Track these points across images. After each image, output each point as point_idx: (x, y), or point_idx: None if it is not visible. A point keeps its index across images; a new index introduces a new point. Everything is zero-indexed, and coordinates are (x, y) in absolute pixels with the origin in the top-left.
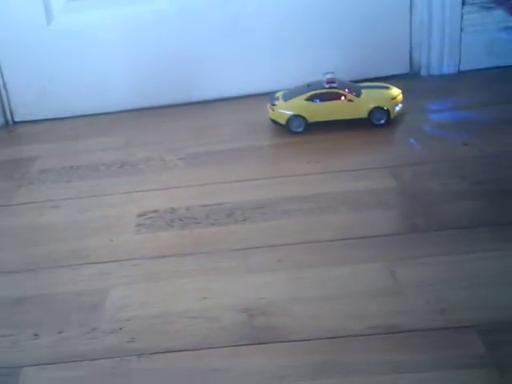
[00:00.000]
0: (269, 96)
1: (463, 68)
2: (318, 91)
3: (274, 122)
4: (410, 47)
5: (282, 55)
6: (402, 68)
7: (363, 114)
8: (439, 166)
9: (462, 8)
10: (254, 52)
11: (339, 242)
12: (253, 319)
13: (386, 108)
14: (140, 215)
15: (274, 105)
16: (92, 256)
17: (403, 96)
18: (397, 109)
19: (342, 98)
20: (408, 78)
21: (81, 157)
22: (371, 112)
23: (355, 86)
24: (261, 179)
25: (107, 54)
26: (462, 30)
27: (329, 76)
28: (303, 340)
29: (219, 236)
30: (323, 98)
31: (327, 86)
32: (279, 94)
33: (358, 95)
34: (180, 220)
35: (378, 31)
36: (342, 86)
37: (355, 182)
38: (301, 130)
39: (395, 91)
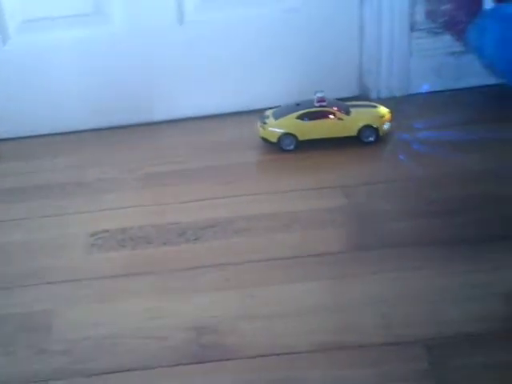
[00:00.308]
0: (259, 115)
1: (412, 91)
2: (308, 110)
3: (265, 140)
4: (360, 71)
5: (235, 78)
6: (352, 92)
7: (353, 132)
8: (391, 185)
9: (411, 33)
10: (207, 75)
11: (287, 261)
12: (201, 338)
13: (375, 126)
14: (92, 235)
15: (264, 123)
16: (44, 276)
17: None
18: (385, 127)
19: (332, 116)
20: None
21: (35, 176)
22: (360, 130)
23: (344, 105)
24: (214, 199)
25: (62, 74)
26: (410, 54)
27: (319, 95)
28: (251, 357)
29: (170, 256)
30: (314, 116)
31: (317, 104)
32: (269, 113)
33: (348, 113)
34: (132, 240)
35: (329, 56)
36: (332, 104)
37: (308, 201)
38: (292, 147)
39: (383, 110)
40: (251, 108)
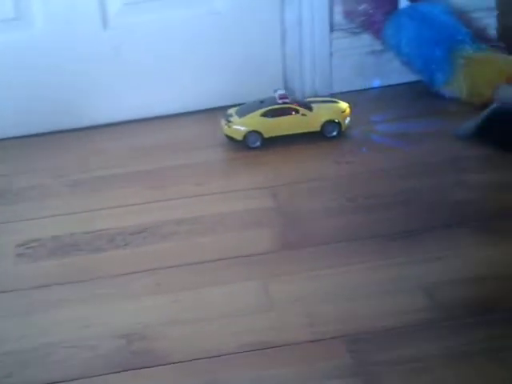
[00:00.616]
0: (222, 113)
1: (335, 91)
2: (272, 107)
3: (230, 138)
4: (284, 73)
5: (164, 82)
6: None
7: (316, 127)
8: (315, 184)
9: (331, 34)
10: (137, 78)
11: (216, 263)
12: (131, 344)
13: (337, 121)
14: (21, 245)
15: (229, 121)
16: None
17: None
18: (346, 122)
19: (296, 112)
20: None
21: None
22: (323, 125)
23: (305, 102)
24: (144, 203)
25: None
26: (331, 54)
27: (280, 92)
28: (181, 362)
29: (100, 263)
30: (278, 113)
31: (280, 101)
32: (232, 111)
33: (310, 109)
34: (62, 248)
35: (254, 59)
36: (294, 101)
37: (235, 202)
38: (258, 144)
39: (344, 104)
40: (179, 111)
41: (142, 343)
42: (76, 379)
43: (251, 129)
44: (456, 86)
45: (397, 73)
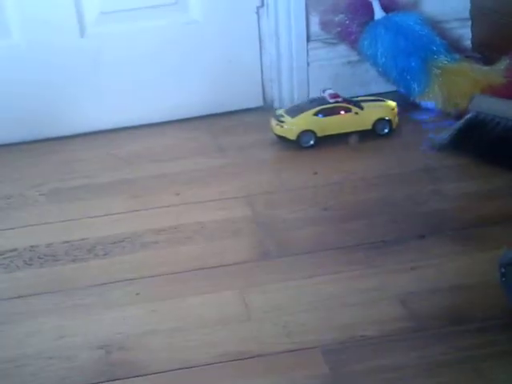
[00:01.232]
0: (272, 114)
1: None
2: (325, 106)
3: (282, 138)
4: (263, 83)
5: (142, 90)
6: (256, 102)
7: (368, 125)
8: (291, 194)
9: (307, 44)
10: (116, 87)
11: (194, 272)
12: (110, 355)
13: (388, 118)
14: None
15: (281, 121)
16: None
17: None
18: (396, 119)
19: (347, 111)
20: (262, 111)
21: None
22: (375, 123)
23: (355, 100)
24: (123, 213)
25: None
26: (308, 64)
27: (331, 92)
28: (159, 372)
29: (79, 272)
30: (330, 112)
31: (332, 100)
32: (282, 111)
33: (361, 108)
34: (39, 258)
35: (232, 68)
36: (344, 100)
37: (213, 211)
38: (311, 144)
39: (392, 103)
40: (159, 120)
41: (120, 354)
42: None
43: (305, 128)
44: (431, 97)
45: (373, 83)
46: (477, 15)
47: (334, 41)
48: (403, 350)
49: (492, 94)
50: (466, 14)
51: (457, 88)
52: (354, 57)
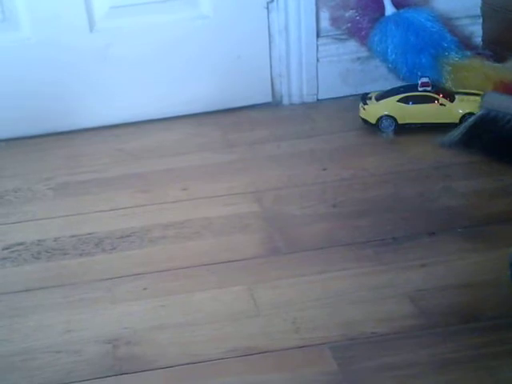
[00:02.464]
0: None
1: (321, 97)
2: (411, 93)
3: (365, 121)
4: (271, 79)
5: (152, 85)
6: (265, 98)
7: (455, 119)
8: (300, 190)
9: (317, 40)
10: (125, 82)
11: (203, 268)
12: (117, 350)
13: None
14: (5, 248)
15: (365, 104)
16: None
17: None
18: None
19: (435, 101)
20: (271, 107)
21: None
22: (463, 117)
23: (449, 91)
24: (132, 207)
25: None
26: (317, 60)
27: (424, 79)
28: (167, 367)
29: (86, 266)
30: (416, 100)
31: (421, 88)
32: (372, 95)
33: (452, 100)
34: (47, 252)
35: (241, 64)
36: (437, 90)
37: (221, 207)
38: (391, 129)
39: None
40: (167, 115)
41: (128, 348)
42: None
43: (386, 113)
44: None
45: (383, 79)
46: (487, 12)
47: (344, 37)
48: (413, 347)
49: (503, 91)
50: (477, 11)
51: (468, 85)
52: (364, 53)
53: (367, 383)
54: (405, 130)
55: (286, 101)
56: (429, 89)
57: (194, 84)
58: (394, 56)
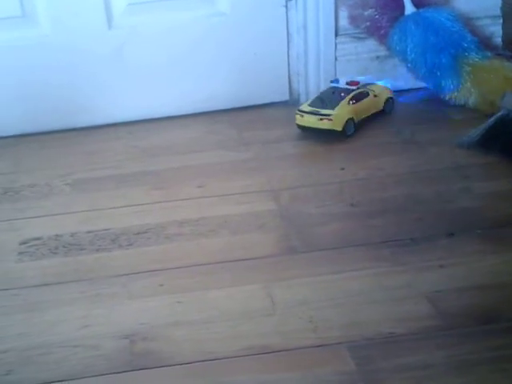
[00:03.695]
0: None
1: None
2: (354, 93)
3: (331, 131)
4: (289, 77)
5: (168, 82)
6: (282, 96)
7: (380, 106)
8: (316, 189)
9: (335, 38)
10: (141, 78)
11: (219, 265)
12: (134, 345)
13: (392, 97)
14: (23, 243)
15: (327, 115)
16: None
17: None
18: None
19: (370, 95)
20: (287, 106)
21: None
22: (386, 102)
23: (363, 84)
24: (148, 204)
25: None
26: (336, 59)
27: (348, 80)
28: (183, 364)
29: (103, 262)
30: (359, 98)
31: (355, 87)
32: (307, 108)
33: (374, 91)
34: (64, 247)
35: (258, 62)
36: (363, 85)
37: (237, 205)
38: (352, 132)
39: (381, 84)
40: (184, 112)
41: (144, 344)
42: (76, 379)
43: (349, 117)
44: (462, 94)
45: (402, 79)
46: (508, 12)
47: (363, 35)
48: (430, 348)
49: None
50: (497, 11)
51: (488, 86)
52: (383, 52)
53: (384, 383)
54: (417, 130)
55: (303, 99)
56: (360, 85)
57: (211, 82)
58: (413, 55)
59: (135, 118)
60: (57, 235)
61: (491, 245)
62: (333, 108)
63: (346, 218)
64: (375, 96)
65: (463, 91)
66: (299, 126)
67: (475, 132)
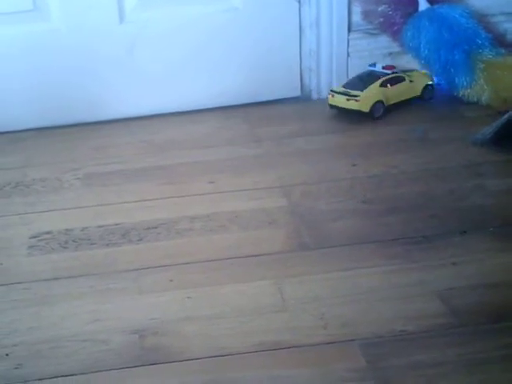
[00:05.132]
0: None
1: None
2: (388, 77)
3: (357, 112)
4: (301, 73)
5: (180, 77)
6: (294, 92)
7: (418, 92)
8: (328, 185)
9: (348, 34)
10: (153, 73)
11: (229, 261)
12: (144, 340)
13: (432, 83)
14: (33, 237)
15: (354, 95)
16: None
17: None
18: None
19: (405, 79)
20: (299, 102)
21: None
22: (423, 90)
23: (401, 70)
24: (159, 199)
25: (5, 71)
26: (348, 55)
27: (384, 64)
28: (193, 359)
29: (113, 257)
30: (392, 82)
31: (390, 71)
32: (339, 89)
33: (410, 77)
34: (74, 241)
35: (270, 57)
36: (395, 70)
37: (248, 201)
38: (380, 114)
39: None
40: (195, 108)
41: (154, 339)
42: (86, 373)
43: (377, 99)
44: (476, 91)
45: None
46: None
47: (376, 31)
48: (442, 346)
49: None
50: None
51: (501, 83)
52: (396, 48)
53: (395, 381)
54: (430, 128)
55: (315, 95)
56: (396, 70)
57: (223, 77)
58: (426, 52)
59: (146, 113)
60: (67, 229)
61: (504, 243)
62: (362, 90)
63: (358, 215)
64: (411, 81)
65: (476, 88)
66: (331, 106)
67: (488, 129)
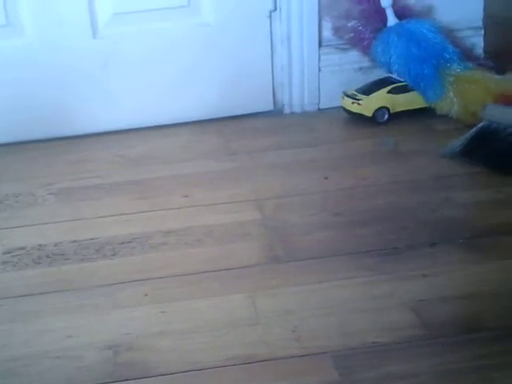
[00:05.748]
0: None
1: (322, 106)
2: (399, 84)
3: (359, 115)
4: (273, 87)
5: (154, 92)
6: (267, 106)
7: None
8: (301, 198)
9: (319, 49)
10: (127, 88)
11: (203, 275)
12: (117, 356)
13: None
14: (6, 252)
15: (358, 99)
16: None
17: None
18: None
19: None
20: (272, 116)
21: None
22: None
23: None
24: (133, 213)
25: None
26: (319, 70)
27: None
28: (167, 374)
29: (87, 272)
30: (401, 90)
31: (402, 79)
32: (349, 92)
33: None
34: (48, 257)
35: (242, 72)
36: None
37: (222, 214)
38: (385, 119)
39: None
40: (170, 122)
41: (128, 354)
42: None
43: (381, 105)
44: (446, 104)
45: None
46: (489, 24)
47: (346, 46)
48: (414, 357)
49: (504, 103)
50: (479, 23)
51: (470, 96)
52: (366, 63)
53: None
54: (401, 140)
55: (287, 109)
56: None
57: (196, 92)
58: (396, 66)
59: (121, 127)
60: (40, 245)
61: (473, 254)
62: (368, 94)
63: (330, 228)
64: None
65: (446, 102)
66: (343, 108)
67: (457, 142)
